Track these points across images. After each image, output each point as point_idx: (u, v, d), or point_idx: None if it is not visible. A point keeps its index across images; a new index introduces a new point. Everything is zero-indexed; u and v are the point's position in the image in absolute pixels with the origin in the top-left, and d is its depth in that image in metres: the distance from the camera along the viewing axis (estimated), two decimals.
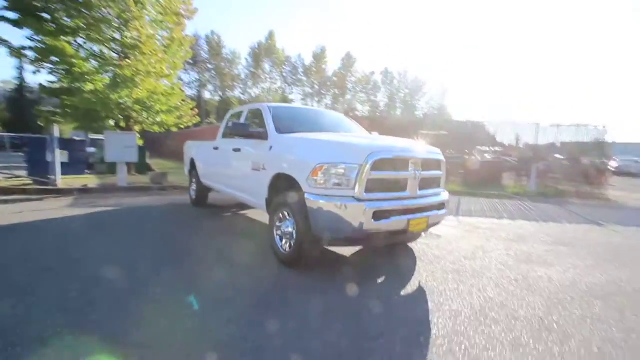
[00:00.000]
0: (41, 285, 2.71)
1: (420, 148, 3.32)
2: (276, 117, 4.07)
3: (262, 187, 3.74)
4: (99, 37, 9.61)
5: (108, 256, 3.48)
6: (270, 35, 53.96)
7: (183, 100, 11.33)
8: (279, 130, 3.83)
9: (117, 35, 10.03)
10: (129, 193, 8.31)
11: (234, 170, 4.58)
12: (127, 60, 9.58)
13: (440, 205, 3.41)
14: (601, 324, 2.43)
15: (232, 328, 2.18)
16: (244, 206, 6.82)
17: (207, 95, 53.48)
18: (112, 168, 11.47)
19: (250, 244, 4.14)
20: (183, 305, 2.48)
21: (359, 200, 2.82)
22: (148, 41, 9.12)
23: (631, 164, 24.72)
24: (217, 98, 54.17)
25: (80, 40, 9.83)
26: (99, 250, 3.67)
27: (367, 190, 2.85)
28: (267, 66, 53.61)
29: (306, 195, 2.97)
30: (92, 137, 17.52)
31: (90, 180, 9.60)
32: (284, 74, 55.21)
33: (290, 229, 3.26)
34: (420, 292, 2.88)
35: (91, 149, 13.73)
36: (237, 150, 4.46)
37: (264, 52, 52.11)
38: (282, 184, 3.46)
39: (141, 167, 12.01)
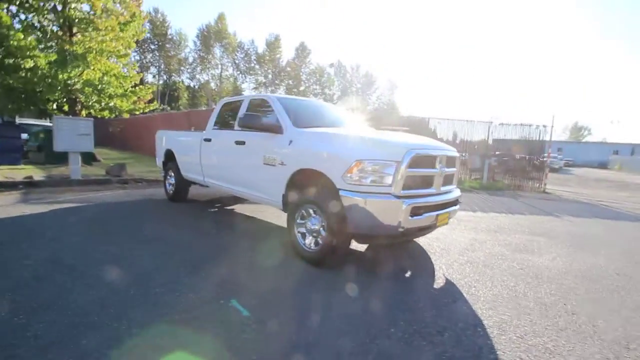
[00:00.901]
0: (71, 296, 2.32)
1: (442, 145, 3.44)
2: (286, 110, 3.90)
3: (278, 183, 3.59)
4: (34, 7, 8.26)
5: (110, 264, 3.08)
6: (220, 18, 51.15)
7: (140, 84, 10.30)
8: (294, 123, 3.69)
9: (59, 7, 8.72)
10: (87, 187, 7.42)
11: (237, 164, 4.31)
12: (76, 35, 8.40)
13: (456, 201, 3.58)
14: (611, 304, 2.78)
15: (296, 330, 2.09)
16: (227, 200, 6.50)
17: (149, 78, 49.27)
18: (51, 158, 10.12)
19: (262, 243, 3.97)
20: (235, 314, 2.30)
21: (396, 197, 2.85)
22: (103, 16, 8.06)
23: (553, 160, 28.26)
24: (161, 82, 50.21)
25: (14, 9, 8.37)
26: (97, 255, 3.23)
27: (403, 187, 2.89)
28: (217, 51, 50.90)
29: (341, 192, 2.91)
30: (20, 121, 15.18)
31: (31, 171, 8.34)
32: (237, 61, 52.95)
33: (316, 227, 3.19)
34: (450, 284, 3.02)
35: (23, 136, 11.92)
36: (240, 143, 4.19)
37: (213, 35, 49.32)
38: (304, 180, 3.36)
39: (87, 157, 10.75)
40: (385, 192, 2.85)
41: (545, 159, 13.06)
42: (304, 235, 3.35)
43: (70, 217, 4.69)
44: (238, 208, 5.95)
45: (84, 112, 10.37)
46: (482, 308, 2.58)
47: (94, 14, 7.99)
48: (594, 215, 7.35)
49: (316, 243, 3.22)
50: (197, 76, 51.16)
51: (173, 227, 4.39)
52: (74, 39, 8.04)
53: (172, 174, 6.11)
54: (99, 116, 11.32)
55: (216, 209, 5.85)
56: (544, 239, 4.96)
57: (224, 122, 4.85)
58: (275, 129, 3.70)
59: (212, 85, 54.36)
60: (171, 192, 6.18)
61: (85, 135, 7.76)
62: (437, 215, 3.13)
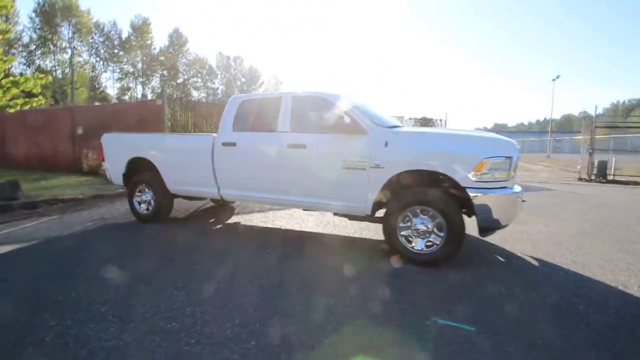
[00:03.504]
0: None
1: None
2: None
3: (369, 188, 3.39)
4: None
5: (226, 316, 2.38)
6: None
7: (33, 74, 7.54)
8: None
9: None
10: None
11: (293, 170, 3.78)
12: None
13: None
14: (621, 252, 3.74)
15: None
16: (214, 214, 5.61)
17: None
18: None
19: (342, 253, 3.70)
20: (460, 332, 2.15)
21: (512, 190, 3.13)
22: None
23: None
24: None
25: None
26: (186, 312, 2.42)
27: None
28: (65, 31, 40.87)
29: (469, 190, 3.00)
30: None
31: None
32: (95, 45, 43.80)
33: (427, 227, 3.18)
34: (540, 261, 3.47)
35: None
36: (297, 146, 3.70)
37: (59, 12, 39.32)
38: (408, 182, 3.31)
39: None
40: (504, 187, 3.08)
41: None
42: (407, 239, 3.29)
43: (42, 266, 3.26)
44: (243, 220, 5.22)
45: None
46: (584, 272, 3.12)
47: None
48: None
49: (428, 244, 3.21)
50: (37, 61, 40.05)
51: (220, 259, 3.59)
52: None
53: (148, 189, 4.87)
54: None
55: (220, 226, 4.99)
56: None
57: (254, 123, 4.16)
58: (357, 130, 3.45)
59: (59, 72, 43.62)
60: (147, 211, 4.93)
61: None
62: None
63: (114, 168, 5.20)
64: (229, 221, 5.22)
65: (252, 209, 5.94)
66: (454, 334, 2.12)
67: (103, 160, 5.35)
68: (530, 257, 3.58)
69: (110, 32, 44.61)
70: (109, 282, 2.85)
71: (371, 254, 3.62)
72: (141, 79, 51.25)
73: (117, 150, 5.18)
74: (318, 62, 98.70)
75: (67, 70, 43.05)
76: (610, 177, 13.54)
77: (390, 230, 3.33)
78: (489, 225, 3.09)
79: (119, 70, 48.70)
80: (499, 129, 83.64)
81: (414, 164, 3.22)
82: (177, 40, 51.84)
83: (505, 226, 3.21)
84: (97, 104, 20.16)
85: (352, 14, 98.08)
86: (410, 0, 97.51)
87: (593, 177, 13.39)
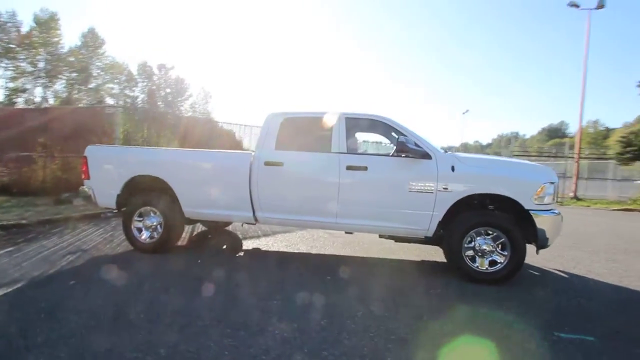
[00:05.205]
0: None
1: None
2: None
3: (435, 210, 3.50)
4: None
5: None
6: None
7: None
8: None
9: None
10: None
11: (355, 193, 3.67)
12: None
13: None
14: (610, 262, 4.54)
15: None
16: (224, 240, 5.11)
17: None
18: None
19: (407, 280, 3.68)
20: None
21: (557, 211, 3.56)
22: None
23: None
24: None
25: None
26: None
27: None
28: None
29: (533, 212, 3.33)
30: None
31: None
32: None
33: (491, 247, 3.41)
34: (563, 273, 3.99)
35: None
36: (357, 168, 3.63)
37: None
38: (469, 205, 3.51)
39: None
40: (552, 209, 3.50)
41: None
42: (471, 259, 3.47)
43: (74, 318, 2.54)
44: (259, 244, 4.83)
45: None
46: (605, 279, 3.69)
47: None
48: None
49: (492, 263, 3.43)
50: None
51: (286, 290, 3.25)
52: None
53: (154, 213, 4.19)
54: None
55: (242, 253, 4.53)
56: None
57: (302, 143, 3.94)
58: (423, 154, 3.55)
59: None
60: (150, 239, 4.20)
61: None
62: None
63: (104, 188, 4.33)
64: (245, 247, 4.77)
65: (256, 233, 5.52)
66: (583, 345, 2.30)
67: (87, 177, 4.42)
68: (554, 269, 4.08)
69: (7, 24, 37.41)
70: (180, 330, 2.34)
71: (439, 276, 3.71)
72: (42, 80, 43.89)
73: (110, 167, 4.35)
74: (244, 77, 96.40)
75: None
76: None
77: (455, 251, 3.46)
78: (543, 243, 3.45)
79: (13, 68, 40.96)
80: None
81: (481, 188, 3.45)
82: (92, 41, 46.10)
83: (551, 244, 3.62)
84: (17, 107, 16.59)
85: (282, 31, 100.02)
86: (347, 25, 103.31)
87: None
